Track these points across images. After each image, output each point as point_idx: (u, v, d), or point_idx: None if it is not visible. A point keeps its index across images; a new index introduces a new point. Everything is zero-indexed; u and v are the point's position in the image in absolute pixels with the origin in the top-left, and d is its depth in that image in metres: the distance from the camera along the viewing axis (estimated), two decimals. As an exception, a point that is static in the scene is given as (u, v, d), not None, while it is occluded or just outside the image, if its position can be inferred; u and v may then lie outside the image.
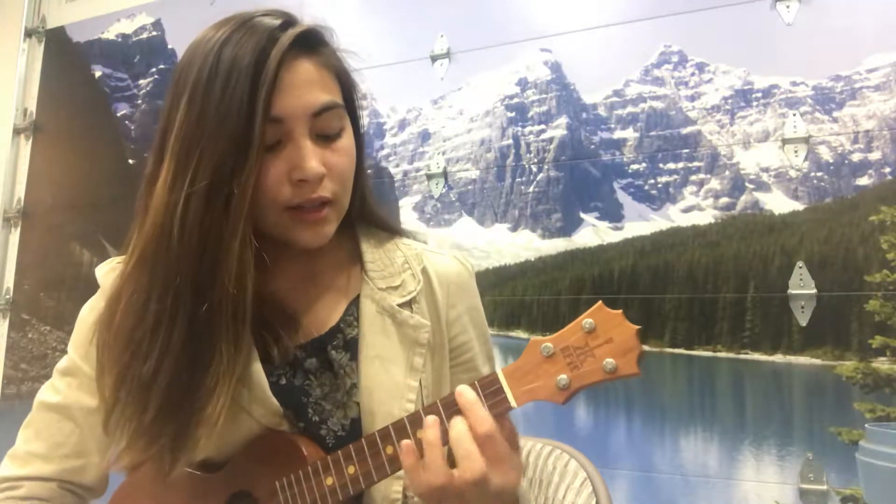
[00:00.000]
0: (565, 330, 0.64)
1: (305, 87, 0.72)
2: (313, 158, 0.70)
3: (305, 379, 0.79)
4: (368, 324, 0.80)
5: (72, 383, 0.81)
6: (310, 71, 0.73)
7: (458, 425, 0.62)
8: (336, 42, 0.80)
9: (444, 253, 0.89)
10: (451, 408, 0.64)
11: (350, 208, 0.81)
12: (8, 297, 2.64)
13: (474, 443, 0.61)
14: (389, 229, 0.89)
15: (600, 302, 0.63)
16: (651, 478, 1.63)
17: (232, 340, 0.68)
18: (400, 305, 0.80)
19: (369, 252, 0.85)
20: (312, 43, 0.75)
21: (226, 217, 0.66)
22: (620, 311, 0.62)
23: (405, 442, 0.64)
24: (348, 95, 0.79)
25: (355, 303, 0.82)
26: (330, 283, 0.84)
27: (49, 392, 0.82)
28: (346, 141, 0.76)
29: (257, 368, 0.75)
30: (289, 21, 0.73)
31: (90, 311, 0.83)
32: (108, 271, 0.82)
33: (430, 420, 0.63)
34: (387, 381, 0.77)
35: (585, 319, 0.63)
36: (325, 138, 0.74)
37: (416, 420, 0.66)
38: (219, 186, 0.66)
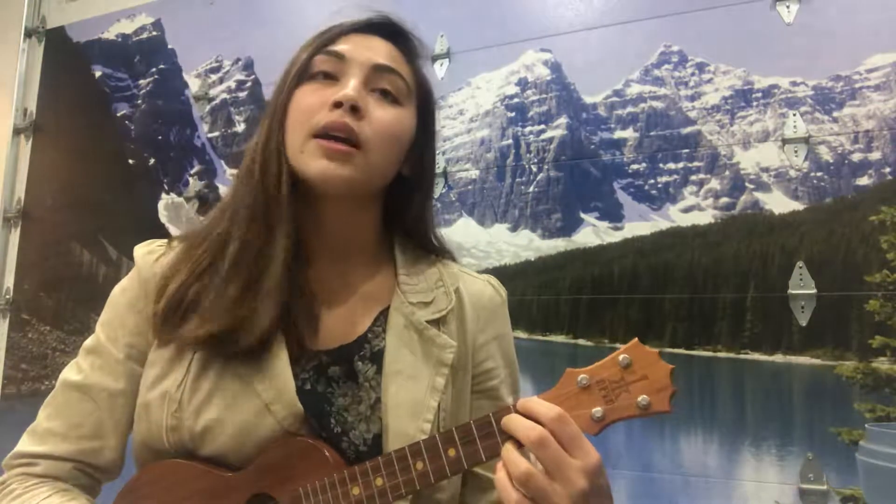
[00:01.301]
0: (601, 364, 0.65)
1: (374, 49, 0.79)
2: (354, 89, 0.75)
3: (328, 386, 0.77)
4: (395, 337, 0.79)
5: (95, 363, 0.80)
6: (384, 45, 0.81)
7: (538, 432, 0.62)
8: (425, 53, 0.87)
9: (480, 277, 0.89)
10: (483, 429, 0.65)
11: (403, 215, 0.85)
12: (8, 297, 2.64)
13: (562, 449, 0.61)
14: (432, 250, 0.89)
15: (636, 339, 0.65)
16: (651, 478, 1.63)
17: (281, 220, 0.75)
18: (429, 322, 0.79)
19: (404, 265, 0.84)
20: (394, 34, 0.82)
21: (271, 128, 0.78)
22: (657, 350, 0.64)
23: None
24: (422, 97, 0.84)
25: (384, 314, 0.81)
26: (363, 289, 0.83)
27: (73, 370, 0.82)
28: (402, 113, 0.79)
29: (285, 367, 0.74)
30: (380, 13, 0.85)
31: (123, 292, 0.83)
32: (147, 253, 0.83)
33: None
34: (406, 399, 0.76)
35: (622, 355, 0.64)
36: (382, 95, 0.78)
37: (448, 439, 0.66)
38: (275, 114, 0.78)
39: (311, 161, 0.74)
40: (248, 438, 0.73)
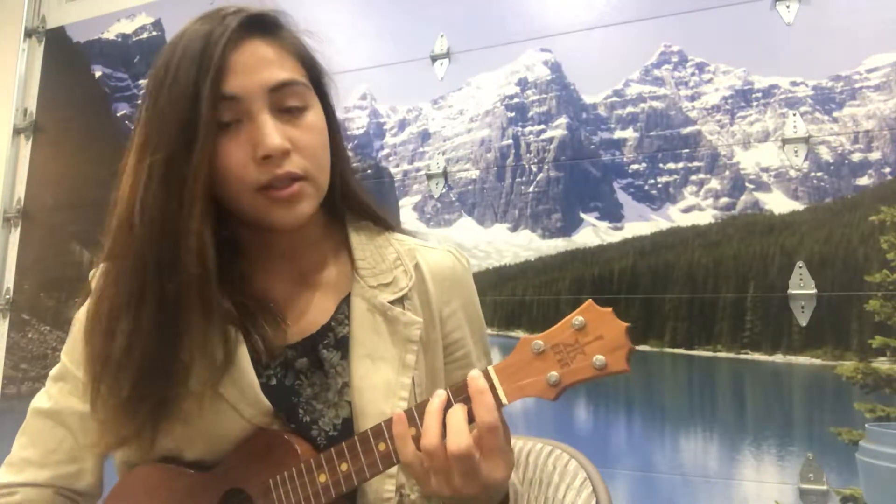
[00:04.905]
0: (555, 328, 0.65)
1: (260, 66, 0.73)
2: (273, 133, 0.70)
3: (296, 379, 0.78)
4: (359, 322, 0.79)
5: (63, 388, 0.81)
6: (263, 50, 0.74)
7: (456, 406, 0.63)
8: (295, 25, 0.80)
9: (438, 247, 0.88)
10: (460, 395, 0.65)
11: (333, 193, 0.81)
12: (8, 297, 2.64)
13: (466, 421, 0.62)
14: (379, 221, 0.88)
15: (590, 300, 0.64)
16: (651, 478, 1.63)
17: (202, 315, 0.69)
18: (391, 302, 0.80)
19: (360, 249, 0.83)
20: (266, 26, 0.76)
21: (181, 198, 0.68)
22: (611, 308, 0.63)
23: (397, 411, 0.65)
24: (314, 76, 0.79)
25: (346, 301, 0.81)
26: (320, 281, 0.83)
27: (42, 398, 0.83)
28: (313, 118, 0.76)
29: (247, 367, 0.75)
30: (244, 9, 0.75)
31: (83, 318, 0.82)
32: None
33: (440, 391, 0.65)
34: (378, 380, 0.77)
35: (576, 317, 0.64)
36: (289, 114, 0.73)
37: (409, 417, 0.66)
38: (172, 169, 0.68)
39: (271, 213, 0.72)
40: (222, 440, 0.74)
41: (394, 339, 0.79)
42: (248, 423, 0.74)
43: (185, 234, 0.68)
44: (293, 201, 0.72)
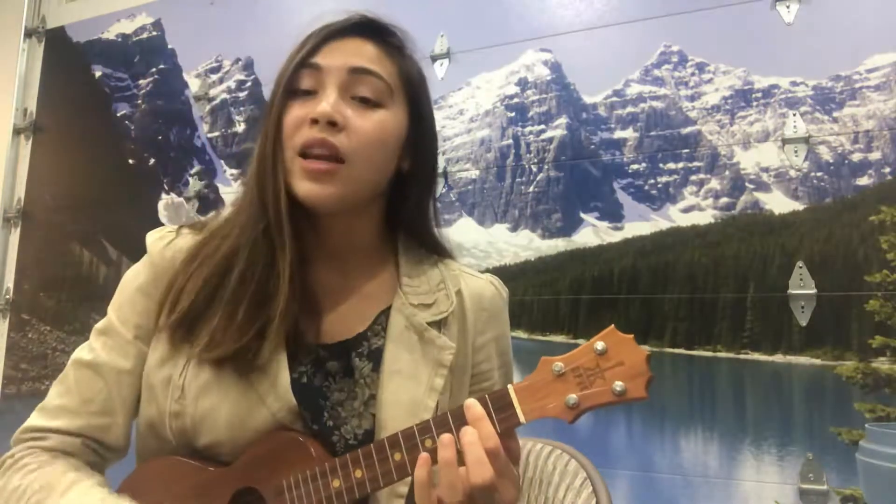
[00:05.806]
0: (577, 351, 0.66)
1: (353, 52, 0.78)
2: (329, 102, 0.75)
3: (325, 381, 0.79)
4: (395, 337, 0.80)
5: (107, 343, 0.82)
6: (364, 45, 0.80)
7: (470, 433, 0.63)
8: (412, 44, 0.85)
9: (482, 276, 0.90)
10: (460, 420, 0.65)
11: (400, 210, 0.84)
12: (8, 297, 2.64)
13: (484, 449, 0.62)
14: (436, 252, 0.89)
15: (612, 325, 0.65)
16: (651, 478, 1.63)
17: (283, 244, 0.75)
18: (429, 324, 0.80)
19: (407, 266, 0.85)
20: (377, 31, 0.81)
21: (263, 152, 0.78)
22: (632, 335, 0.64)
23: (423, 455, 0.65)
24: (410, 92, 0.83)
25: (385, 313, 0.82)
26: (364, 287, 0.84)
27: (84, 350, 0.83)
28: (383, 117, 0.78)
29: (282, 360, 0.76)
30: (361, 13, 0.83)
31: (134, 276, 0.84)
32: (158, 239, 0.84)
33: (446, 440, 0.64)
34: (405, 398, 0.77)
35: (597, 342, 0.64)
36: (360, 103, 0.77)
37: (425, 429, 0.67)
38: (264, 128, 0.79)
39: (298, 182, 0.75)
40: (242, 429, 0.74)
41: (426, 360, 0.79)
42: (273, 417, 0.74)
43: (266, 181, 0.76)
44: (321, 178, 0.74)
